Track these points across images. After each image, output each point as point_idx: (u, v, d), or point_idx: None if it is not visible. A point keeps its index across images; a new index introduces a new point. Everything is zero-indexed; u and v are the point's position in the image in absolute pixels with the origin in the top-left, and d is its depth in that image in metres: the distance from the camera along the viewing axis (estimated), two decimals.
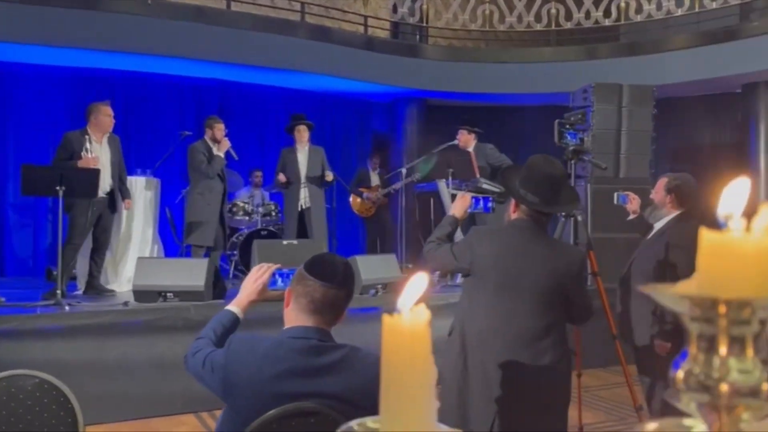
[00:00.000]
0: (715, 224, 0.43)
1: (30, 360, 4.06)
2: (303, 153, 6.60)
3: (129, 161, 7.84)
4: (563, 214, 3.23)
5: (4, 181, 7.94)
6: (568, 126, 3.08)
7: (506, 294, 2.40)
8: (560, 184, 2.43)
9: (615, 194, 3.77)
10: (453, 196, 6.24)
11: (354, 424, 0.45)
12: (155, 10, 7.41)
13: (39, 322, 4.47)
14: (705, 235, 0.39)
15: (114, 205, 5.64)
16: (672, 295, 0.38)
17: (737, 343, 0.38)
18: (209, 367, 1.88)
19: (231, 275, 7.14)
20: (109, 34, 7.12)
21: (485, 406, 2.36)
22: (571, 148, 3.13)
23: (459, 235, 3.37)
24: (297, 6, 8.57)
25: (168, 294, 4.91)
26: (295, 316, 1.88)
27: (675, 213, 3.43)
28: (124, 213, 6.00)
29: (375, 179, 8.39)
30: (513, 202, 2.51)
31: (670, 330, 3.25)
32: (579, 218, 3.26)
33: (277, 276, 2.16)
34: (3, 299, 5.04)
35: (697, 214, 3.53)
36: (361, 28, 9.14)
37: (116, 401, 4.42)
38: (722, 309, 0.37)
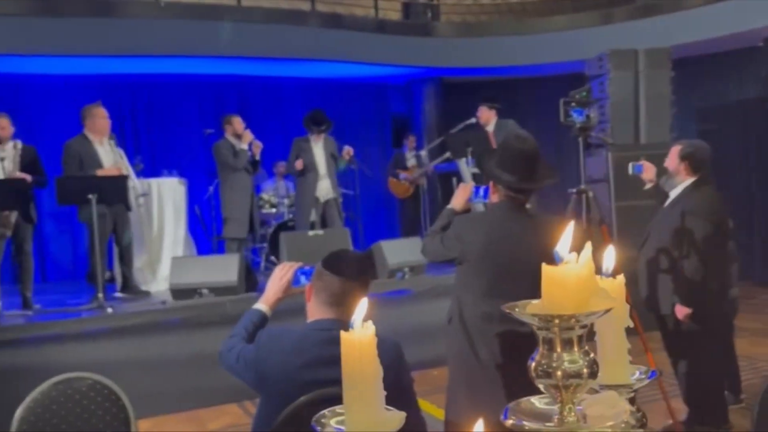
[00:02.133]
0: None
1: (78, 361, 4.29)
2: (318, 146, 6.68)
3: (155, 163, 8.09)
4: (574, 190, 3.29)
5: (39, 191, 8.26)
6: (573, 104, 3.12)
7: (502, 278, 2.41)
8: (534, 160, 2.44)
9: (630, 164, 3.79)
10: (474, 175, 6.31)
11: (326, 411, 0.59)
12: (168, 11, 7.57)
13: (84, 325, 4.71)
14: (545, 269, 0.54)
15: (127, 203, 5.72)
16: (525, 313, 0.53)
17: (567, 343, 0.54)
18: (242, 362, 2.04)
19: (263, 267, 7.34)
20: (124, 39, 7.30)
21: (496, 392, 2.37)
22: (578, 125, 3.17)
23: None
24: None
25: (203, 290, 5.11)
26: (316, 310, 2.02)
27: (689, 180, 3.44)
28: (156, 215, 6.20)
29: (411, 160, 8.52)
30: (492, 185, 2.54)
31: (689, 295, 3.29)
32: (590, 194, 3.31)
33: (299, 274, 2.30)
34: (38, 306, 5.31)
35: (712, 180, 3.54)
36: (373, 12, 9.19)
37: (161, 395, 4.63)
38: (556, 321, 0.53)
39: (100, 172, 5.41)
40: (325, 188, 6.63)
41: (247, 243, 6.68)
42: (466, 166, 6.52)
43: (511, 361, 2.35)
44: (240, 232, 6.30)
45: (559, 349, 0.59)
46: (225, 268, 5.19)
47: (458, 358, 2.52)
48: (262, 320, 2.23)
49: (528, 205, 2.57)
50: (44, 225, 8.25)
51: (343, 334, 0.57)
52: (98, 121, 5.60)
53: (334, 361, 2.02)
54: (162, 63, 8.01)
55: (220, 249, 6.76)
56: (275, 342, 1.99)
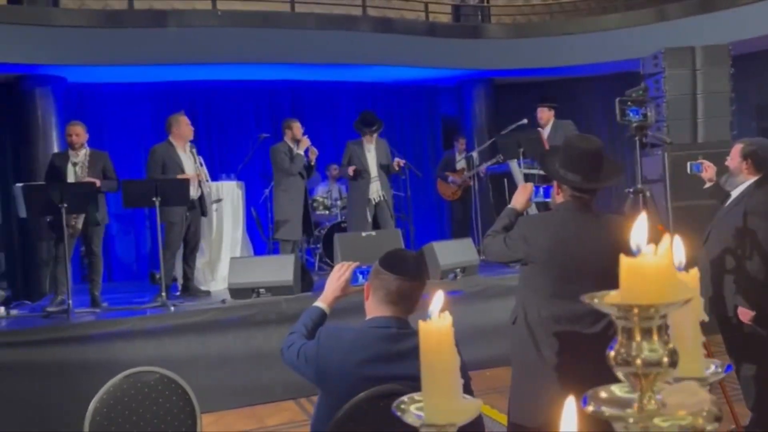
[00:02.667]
0: None
1: (144, 357, 4.49)
2: (370, 148, 6.77)
3: (213, 167, 8.33)
4: (631, 190, 3.25)
5: (106, 193, 8.62)
6: (629, 103, 3.09)
7: (569, 279, 2.38)
8: (599, 159, 2.40)
9: (688, 164, 3.72)
10: (525, 176, 6.28)
11: (405, 398, 0.63)
12: (225, 20, 7.80)
13: (149, 322, 4.90)
14: (623, 260, 0.56)
15: (203, 209, 6.01)
16: (604, 304, 0.56)
17: (647, 333, 0.56)
18: (303, 357, 2.10)
19: (317, 268, 7.47)
20: (184, 47, 7.57)
21: (562, 394, 2.34)
22: (635, 124, 3.13)
23: None
24: (358, 0, 8.77)
25: (260, 290, 5.25)
26: (374, 308, 2.08)
27: (752, 179, 3.35)
28: (215, 217, 6.41)
29: (461, 162, 8.54)
30: (556, 185, 2.51)
31: (752, 297, 3.21)
32: (647, 193, 3.27)
33: (357, 273, 2.35)
34: (106, 304, 5.55)
35: None
36: (423, 15, 9.23)
37: (221, 391, 4.78)
38: (635, 311, 0.55)
39: (180, 176, 5.64)
40: (375, 190, 6.71)
41: (301, 244, 6.82)
42: (517, 168, 6.49)
43: (578, 362, 2.30)
44: (293, 233, 6.44)
45: (638, 338, 0.60)
46: (281, 269, 5.32)
47: (523, 360, 2.49)
48: (321, 318, 2.29)
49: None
50: (110, 227, 8.60)
51: (421, 323, 0.61)
52: (183, 128, 5.89)
53: (392, 357, 2.08)
54: (219, 70, 8.25)
55: (276, 250, 6.92)
56: (335, 339, 2.06)
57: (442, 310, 0.61)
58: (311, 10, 8.44)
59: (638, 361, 0.60)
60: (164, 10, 7.81)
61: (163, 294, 5.22)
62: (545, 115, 6.66)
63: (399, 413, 0.64)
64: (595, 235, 2.41)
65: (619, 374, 0.62)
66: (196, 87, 8.85)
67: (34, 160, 7.59)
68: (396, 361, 2.00)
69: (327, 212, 7.96)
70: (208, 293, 6.00)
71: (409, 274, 2.04)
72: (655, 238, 0.59)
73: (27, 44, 7.07)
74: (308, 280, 5.59)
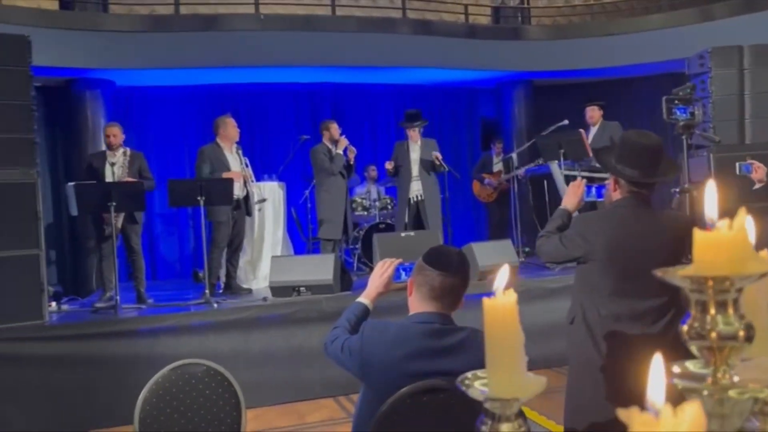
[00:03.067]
0: None
1: (188, 352, 4.58)
2: (415, 148, 6.82)
3: (255, 167, 8.48)
4: (677, 189, 3.20)
5: (150, 194, 8.85)
6: (676, 101, 3.04)
7: (629, 276, 2.35)
8: (657, 154, 2.37)
9: (737, 164, 3.65)
10: (566, 177, 6.22)
11: (468, 374, 0.65)
12: (268, 23, 7.93)
13: (193, 318, 5.02)
14: (696, 233, 0.57)
15: (248, 208, 6.13)
16: (677, 276, 0.56)
17: (722, 306, 0.56)
18: (347, 351, 2.13)
19: (355, 268, 7.52)
20: (228, 51, 7.71)
21: (621, 395, 2.25)
22: (682, 123, 3.08)
23: None
24: (398, 3, 8.80)
25: (301, 288, 5.32)
26: (418, 303, 2.09)
27: None
28: (257, 217, 6.52)
29: (498, 165, 8.52)
30: (612, 181, 2.47)
31: None
32: (695, 193, 3.21)
33: (400, 270, 2.37)
34: (151, 300, 5.69)
35: None
36: (462, 17, 9.22)
37: (262, 387, 4.86)
38: (710, 283, 0.55)
39: (226, 174, 5.77)
40: (416, 189, 6.76)
41: (340, 244, 6.88)
42: (558, 169, 6.43)
43: (638, 361, 2.26)
44: (335, 233, 6.51)
45: (713, 312, 0.59)
46: (321, 268, 5.38)
47: (582, 359, 2.45)
48: (365, 313, 2.32)
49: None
50: (154, 226, 8.82)
51: (485, 300, 0.62)
52: (230, 130, 6.04)
53: (435, 353, 2.09)
54: (261, 73, 8.39)
55: (315, 251, 7.00)
56: (378, 333, 2.08)
57: (507, 287, 0.62)
58: (352, 13, 8.51)
59: (713, 335, 0.59)
60: (209, 14, 7.98)
61: (207, 291, 5.33)
62: (595, 114, 6.59)
63: (464, 388, 0.65)
64: (655, 230, 2.37)
65: (693, 348, 0.61)
66: (238, 90, 9.01)
67: (84, 160, 7.84)
68: (439, 356, 2.01)
69: (365, 213, 8.01)
70: (249, 291, 6.11)
71: (452, 270, 2.04)
72: (728, 214, 0.58)
73: (79, 49, 7.30)
74: (347, 279, 5.64)
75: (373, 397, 2.04)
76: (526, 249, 7.53)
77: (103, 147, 6.09)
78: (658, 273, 0.60)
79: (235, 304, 5.39)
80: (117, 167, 5.70)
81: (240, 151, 6.08)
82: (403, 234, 5.99)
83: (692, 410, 0.40)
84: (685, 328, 0.61)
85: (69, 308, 5.68)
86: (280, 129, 9.17)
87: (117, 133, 5.80)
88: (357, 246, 7.59)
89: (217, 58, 7.76)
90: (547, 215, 7.62)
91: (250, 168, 6.12)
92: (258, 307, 5.15)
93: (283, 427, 4.53)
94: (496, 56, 8.77)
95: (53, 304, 5.42)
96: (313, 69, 8.35)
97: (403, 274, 2.27)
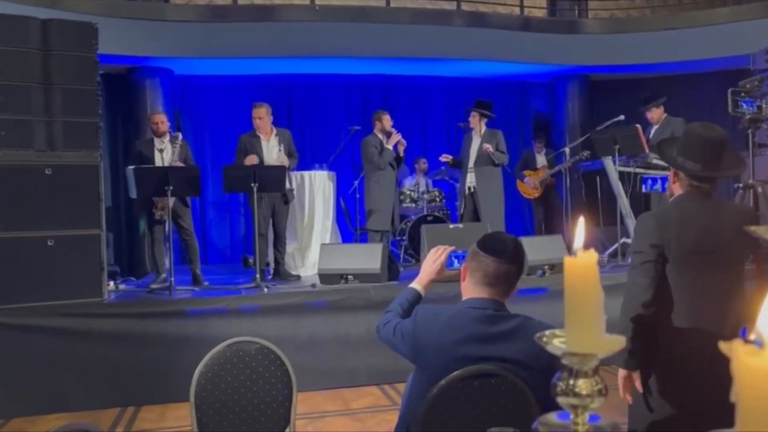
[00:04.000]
0: None
1: (238, 334, 4.66)
2: (477, 138, 6.81)
3: (305, 157, 8.59)
4: (740, 185, 3.10)
5: (204, 181, 9.06)
6: (743, 94, 2.94)
7: (702, 272, 2.27)
8: (721, 148, 2.28)
9: None
10: (620, 174, 6.09)
11: (547, 332, 0.66)
12: (323, 14, 8.00)
13: (243, 302, 5.12)
14: None
15: (285, 197, 6.16)
16: (763, 232, 0.55)
17: None
18: (399, 334, 2.14)
19: (402, 259, 7.54)
20: (283, 41, 7.83)
21: (694, 394, 2.20)
22: (748, 117, 2.98)
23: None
24: None
25: (349, 276, 5.37)
26: (471, 289, 2.09)
27: None
28: (307, 205, 6.60)
29: (541, 160, 8.41)
30: (672, 174, 2.40)
31: None
32: (759, 189, 3.10)
33: (452, 257, 2.36)
34: (206, 283, 5.84)
35: None
36: (517, 10, 9.11)
37: (309, 372, 4.91)
38: None
39: (247, 161, 5.84)
40: (470, 181, 6.75)
41: (387, 235, 6.91)
42: (612, 165, 6.30)
43: (708, 358, 2.21)
44: (383, 224, 6.55)
45: None
46: (369, 257, 5.42)
47: (663, 359, 2.35)
48: (417, 299, 2.33)
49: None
50: (207, 213, 9.03)
51: (566, 258, 0.63)
52: (255, 121, 6.08)
53: (488, 338, 2.09)
54: (315, 64, 8.47)
55: (363, 241, 7.04)
56: (431, 318, 2.08)
57: (587, 246, 0.62)
58: (405, 5, 8.51)
59: None
60: (265, 5, 8.10)
61: (258, 276, 5.43)
62: (655, 114, 6.41)
63: (542, 343, 0.66)
64: (723, 224, 2.30)
65: None
66: (291, 80, 9.13)
67: (134, 147, 8.09)
68: (491, 342, 2.01)
69: (414, 205, 8.02)
70: (298, 278, 6.20)
71: (507, 257, 2.03)
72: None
73: (140, 38, 7.53)
74: (395, 269, 5.66)
75: (424, 380, 2.05)
76: None
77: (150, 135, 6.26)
78: (749, 230, 0.58)
79: (285, 289, 5.48)
80: (166, 153, 5.86)
81: (277, 138, 6.08)
82: (451, 226, 5.98)
83: None
84: None
85: (126, 288, 5.87)
86: (331, 119, 9.25)
87: (163, 120, 5.99)
88: (404, 238, 7.61)
89: (272, 49, 7.88)
90: (599, 212, 7.49)
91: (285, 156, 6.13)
92: (307, 294, 5.22)
93: (329, 411, 4.59)
94: (551, 50, 8.64)
95: (111, 283, 5.61)
96: (366, 60, 8.39)
97: (455, 261, 2.27)
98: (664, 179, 2.24)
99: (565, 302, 0.64)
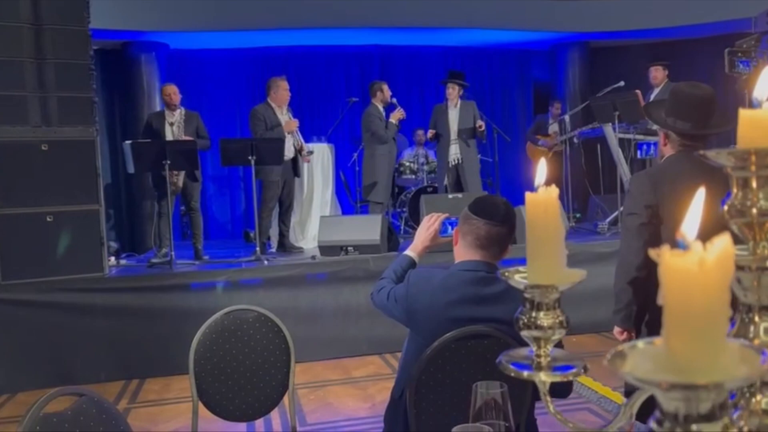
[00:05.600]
0: None
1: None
2: (453, 110, 6.75)
3: (304, 129, 8.57)
4: (735, 146, 3.06)
5: (203, 156, 9.04)
6: (740, 54, 2.90)
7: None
8: (710, 105, 2.25)
9: None
10: (621, 141, 6.06)
11: (510, 269, 0.66)
12: None
13: (244, 275, 5.16)
14: (741, 113, 0.55)
15: (296, 169, 6.21)
16: (722, 154, 0.56)
17: (764, 181, 0.55)
18: (393, 299, 2.16)
19: (402, 231, 7.56)
20: (279, 13, 7.74)
21: None
22: (744, 77, 2.94)
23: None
24: None
25: (348, 248, 5.39)
26: (463, 252, 2.10)
27: None
28: (306, 178, 6.60)
29: (554, 126, 8.39)
30: (662, 135, 2.37)
31: None
32: None
33: (447, 224, 2.37)
34: (207, 257, 5.87)
35: None
36: None
37: (310, 343, 4.97)
38: (752, 158, 0.54)
39: (285, 128, 5.90)
40: (454, 153, 6.72)
41: (387, 207, 6.92)
42: (612, 132, 6.27)
43: None
44: (382, 196, 6.55)
45: (754, 186, 0.58)
46: (369, 228, 5.43)
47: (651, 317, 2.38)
48: (411, 266, 2.34)
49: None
50: (206, 187, 9.04)
51: (528, 194, 0.63)
52: (281, 93, 6.10)
53: (480, 300, 2.10)
54: (311, 35, 8.40)
55: (362, 213, 7.05)
56: (424, 280, 2.10)
57: (548, 184, 0.62)
58: None
59: (753, 210, 0.58)
60: None
61: (258, 249, 5.45)
62: (659, 74, 6.37)
63: (504, 278, 0.66)
64: (717, 185, 2.28)
65: (733, 227, 0.60)
66: (289, 52, 9.05)
67: (139, 121, 8.07)
68: (483, 303, 2.02)
69: (413, 176, 8.01)
70: (301, 250, 6.23)
71: (498, 219, 2.04)
72: None
73: (134, 12, 7.45)
74: (394, 240, 5.68)
75: (418, 342, 2.08)
76: (577, 214, 7.40)
77: (159, 107, 6.24)
78: (710, 153, 0.58)
79: (285, 261, 5.51)
80: (175, 126, 5.85)
81: (290, 113, 6.14)
82: (450, 195, 5.97)
83: (722, 242, 0.40)
84: (725, 207, 0.60)
85: (127, 263, 5.91)
86: (329, 91, 9.21)
87: (175, 91, 5.95)
88: (404, 209, 7.61)
89: (268, 20, 7.80)
90: (600, 180, 7.47)
91: (299, 132, 6.21)
92: (306, 265, 5.25)
93: (331, 380, 4.64)
94: (551, 17, 8.53)
95: (112, 258, 5.65)
96: (363, 31, 8.30)
97: (449, 228, 2.26)
98: (657, 144, 2.21)
99: (526, 237, 0.64)
